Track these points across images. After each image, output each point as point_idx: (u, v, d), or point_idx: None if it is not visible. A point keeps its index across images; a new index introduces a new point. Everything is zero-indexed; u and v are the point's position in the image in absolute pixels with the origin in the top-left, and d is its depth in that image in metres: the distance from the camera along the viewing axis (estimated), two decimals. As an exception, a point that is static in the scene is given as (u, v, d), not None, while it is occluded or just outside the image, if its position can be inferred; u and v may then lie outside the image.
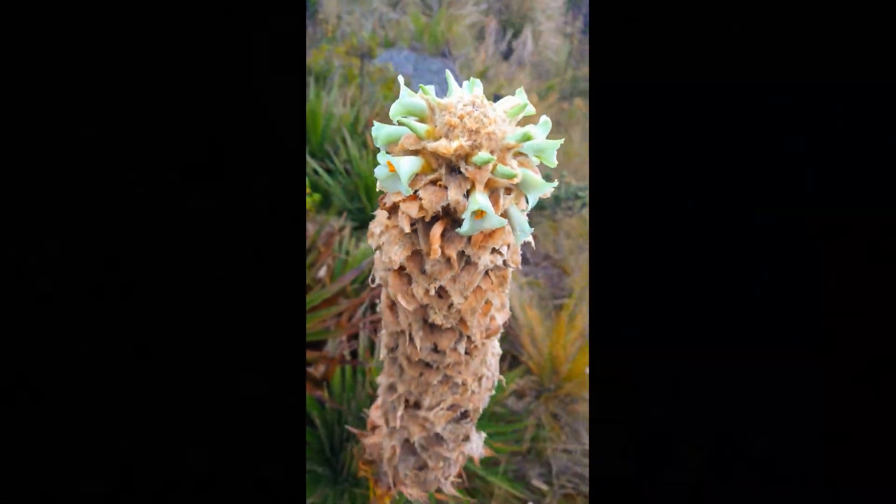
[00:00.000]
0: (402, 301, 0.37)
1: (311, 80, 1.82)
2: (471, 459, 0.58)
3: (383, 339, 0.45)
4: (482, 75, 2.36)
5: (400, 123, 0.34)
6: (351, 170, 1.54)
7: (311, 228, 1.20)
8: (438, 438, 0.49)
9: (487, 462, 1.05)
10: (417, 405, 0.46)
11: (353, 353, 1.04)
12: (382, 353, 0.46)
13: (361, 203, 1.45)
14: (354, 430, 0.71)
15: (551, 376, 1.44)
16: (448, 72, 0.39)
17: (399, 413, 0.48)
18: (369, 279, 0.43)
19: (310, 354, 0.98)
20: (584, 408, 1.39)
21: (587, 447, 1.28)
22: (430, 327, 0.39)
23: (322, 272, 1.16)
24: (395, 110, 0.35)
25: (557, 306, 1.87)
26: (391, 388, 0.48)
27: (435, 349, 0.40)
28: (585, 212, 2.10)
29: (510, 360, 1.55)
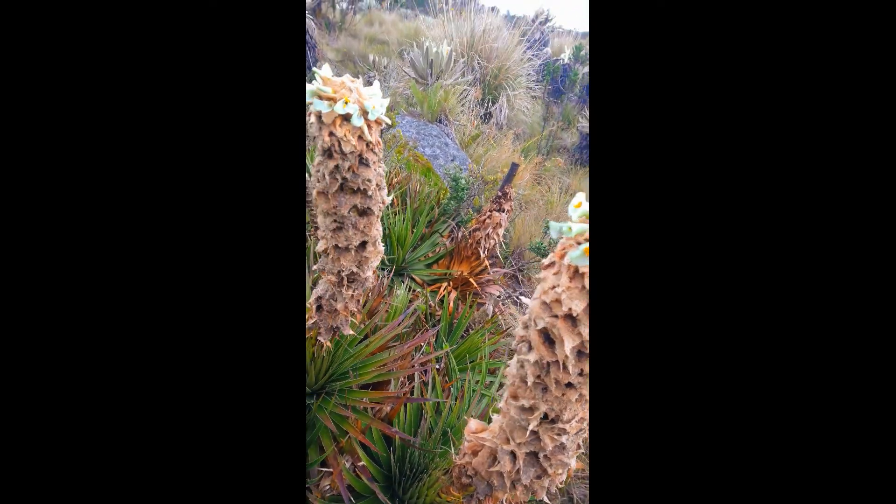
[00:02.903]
0: (567, 338, 0.53)
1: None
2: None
3: (528, 369, 0.60)
4: (475, 139, 2.66)
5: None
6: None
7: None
8: (563, 448, 0.63)
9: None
10: (555, 420, 0.61)
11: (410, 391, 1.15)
12: (529, 380, 0.61)
13: (393, 254, 1.60)
14: (453, 455, 0.82)
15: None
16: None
17: (531, 427, 0.62)
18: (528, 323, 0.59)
19: (376, 394, 1.08)
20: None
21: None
22: (580, 354, 0.55)
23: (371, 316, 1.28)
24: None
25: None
26: (530, 409, 0.62)
27: (581, 373, 0.56)
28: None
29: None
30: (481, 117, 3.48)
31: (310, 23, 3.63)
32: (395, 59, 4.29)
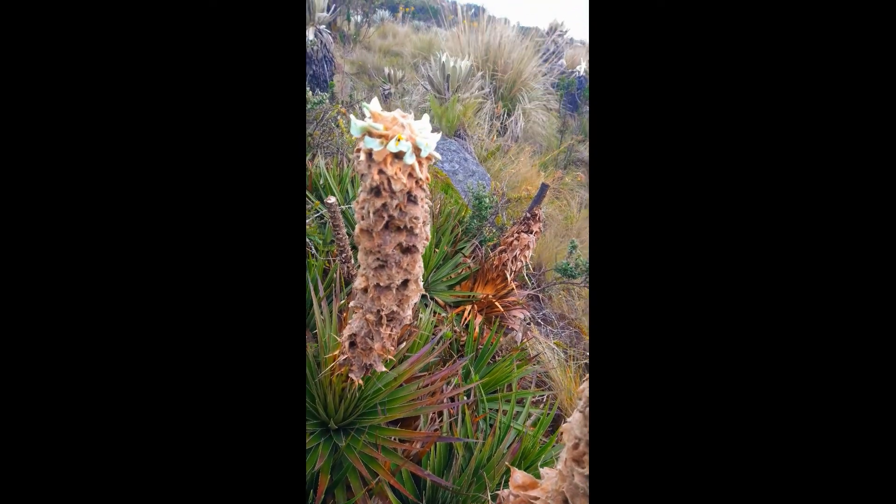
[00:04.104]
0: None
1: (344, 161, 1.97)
2: None
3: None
4: (494, 153, 2.62)
5: None
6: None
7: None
8: None
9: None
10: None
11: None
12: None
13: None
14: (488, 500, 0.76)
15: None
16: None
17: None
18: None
19: (406, 433, 1.03)
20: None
21: None
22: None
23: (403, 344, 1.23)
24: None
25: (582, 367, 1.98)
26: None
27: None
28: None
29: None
30: (497, 130, 3.45)
31: (327, 36, 3.65)
32: (409, 72, 4.30)
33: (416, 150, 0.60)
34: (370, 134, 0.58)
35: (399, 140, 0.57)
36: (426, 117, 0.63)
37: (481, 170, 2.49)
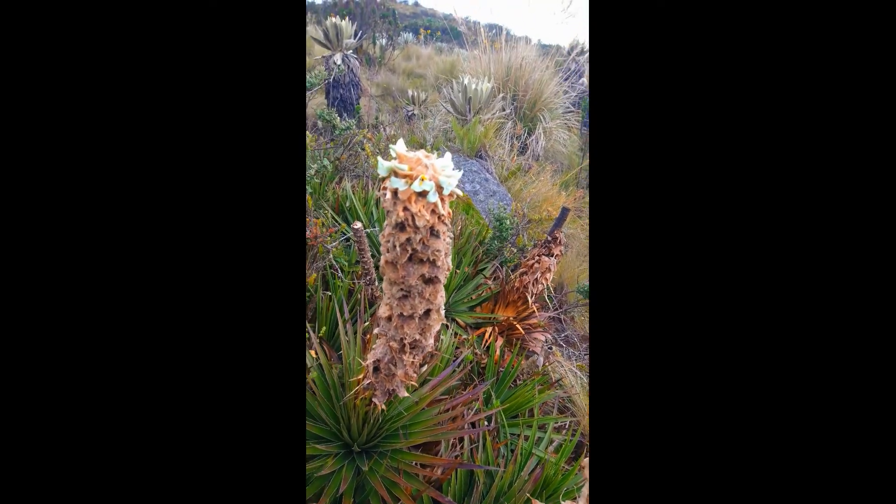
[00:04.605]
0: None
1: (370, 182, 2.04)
2: None
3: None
4: (516, 171, 2.65)
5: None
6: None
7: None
8: None
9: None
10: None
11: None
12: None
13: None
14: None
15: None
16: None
17: None
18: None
19: (427, 458, 1.04)
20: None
21: None
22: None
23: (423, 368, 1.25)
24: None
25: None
26: None
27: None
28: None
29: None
30: (518, 150, 3.49)
31: (353, 61, 3.81)
32: (432, 93, 4.41)
33: (439, 188, 0.63)
34: (396, 174, 0.61)
35: (423, 180, 0.60)
36: (448, 155, 0.66)
37: (502, 190, 2.51)
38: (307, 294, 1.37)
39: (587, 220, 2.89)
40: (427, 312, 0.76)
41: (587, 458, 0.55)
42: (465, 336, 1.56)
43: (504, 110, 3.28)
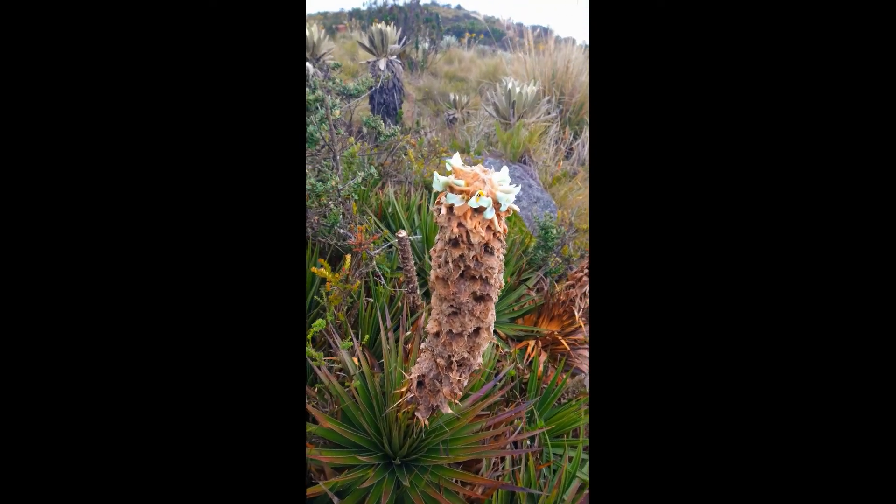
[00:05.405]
0: None
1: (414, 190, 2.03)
2: None
3: None
4: (561, 178, 2.57)
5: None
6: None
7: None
8: None
9: None
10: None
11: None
12: None
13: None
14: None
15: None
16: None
17: None
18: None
19: (469, 477, 1.01)
20: None
21: None
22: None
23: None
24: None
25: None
26: None
27: None
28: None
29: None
30: (564, 155, 3.38)
31: (397, 66, 3.86)
32: (474, 96, 4.38)
33: (496, 204, 0.60)
34: (452, 189, 0.59)
35: (480, 196, 0.57)
36: (505, 170, 0.63)
37: (546, 196, 2.44)
38: (350, 300, 1.38)
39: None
40: (477, 331, 0.73)
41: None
42: (506, 349, 1.52)
43: (549, 113, 3.20)
